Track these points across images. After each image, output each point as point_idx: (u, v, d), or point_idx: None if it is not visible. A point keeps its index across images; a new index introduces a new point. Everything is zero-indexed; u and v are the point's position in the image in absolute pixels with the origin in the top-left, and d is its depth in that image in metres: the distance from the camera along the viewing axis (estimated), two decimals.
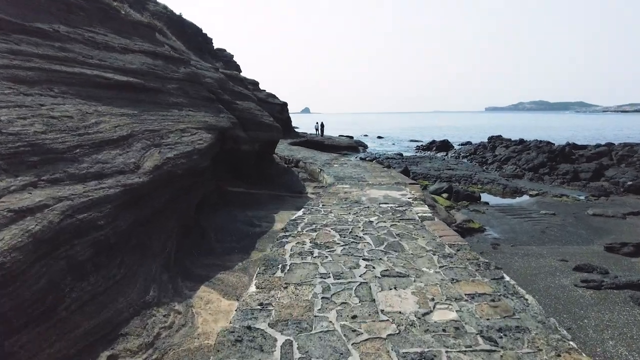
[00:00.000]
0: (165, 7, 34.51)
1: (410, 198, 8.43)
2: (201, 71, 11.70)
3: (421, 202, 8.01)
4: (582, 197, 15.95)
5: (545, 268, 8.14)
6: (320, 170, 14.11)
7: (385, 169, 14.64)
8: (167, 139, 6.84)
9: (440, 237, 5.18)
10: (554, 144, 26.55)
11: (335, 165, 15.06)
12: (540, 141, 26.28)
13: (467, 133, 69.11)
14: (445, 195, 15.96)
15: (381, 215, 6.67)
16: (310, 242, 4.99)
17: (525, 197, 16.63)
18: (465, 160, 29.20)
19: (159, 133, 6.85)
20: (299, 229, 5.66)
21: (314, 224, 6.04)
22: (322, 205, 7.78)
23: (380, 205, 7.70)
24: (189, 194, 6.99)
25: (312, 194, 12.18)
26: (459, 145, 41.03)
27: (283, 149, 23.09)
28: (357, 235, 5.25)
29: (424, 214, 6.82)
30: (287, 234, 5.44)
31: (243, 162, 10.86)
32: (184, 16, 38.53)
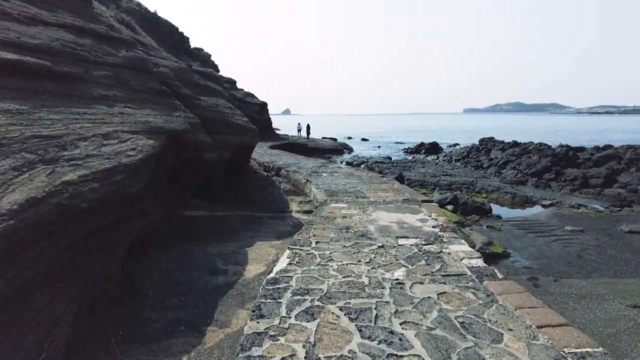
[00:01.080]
0: (139, 4, 31.86)
1: (436, 227, 6.13)
2: (154, 58, 9.14)
3: (454, 235, 5.71)
4: (603, 209, 14.05)
5: (620, 322, 5.97)
6: (307, 180, 11.71)
7: (384, 178, 12.35)
8: (73, 150, 4.32)
9: (539, 327, 2.87)
10: (550, 147, 24.89)
11: (324, 175, 12.69)
12: (541, 144, 24.57)
13: (451, 134, 67.91)
14: (450, 207, 13.81)
15: (410, 267, 4.33)
16: (305, 356, 2.53)
17: (538, 208, 14.66)
18: (458, 164, 27.34)
19: (61, 141, 4.33)
20: (283, 312, 3.18)
21: (307, 292, 3.61)
22: (316, 242, 5.37)
23: (399, 241, 5.36)
24: (110, 237, 4.47)
25: (298, 212, 9.78)
26: (447, 147, 39.33)
27: (262, 153, 20.62)
28: (391, 331, 2.83)
29: (473, 260, 4.51)
30: (261, 328, 2.91)
31: (208, 175, 8.35)
32: (159, 14, 36.24)
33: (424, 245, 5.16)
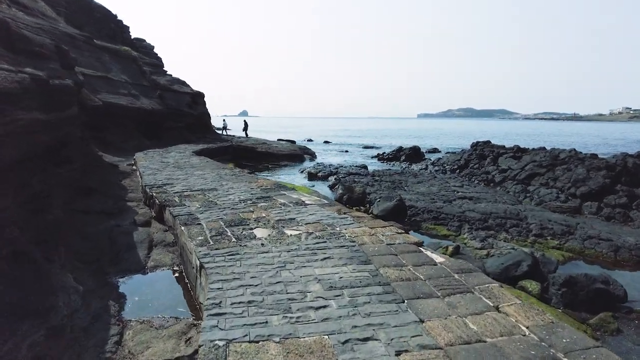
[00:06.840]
0: None
1: None
2: None
3: None
4: None
5: None
6: (201, 267, 3.80)
7: (435, 258, 4.55)
8: None
9: None
10: (594, 155, 18.44)
11: (258, 235, 4.83)
12: (574, 150, 18.07)
13: (419, 138, 61.91)
14: (534, 287, 6.46)
15: None
16: None
17: None
18: (456, 174, 20.49)
19: None
20: None
21: None
22: None
23: None
24: None
25: None
26: (427, 153, 32.68)
27: (170, 163, 12.31)
28: None
29: None
30: None
31: None
32: None
33: None
